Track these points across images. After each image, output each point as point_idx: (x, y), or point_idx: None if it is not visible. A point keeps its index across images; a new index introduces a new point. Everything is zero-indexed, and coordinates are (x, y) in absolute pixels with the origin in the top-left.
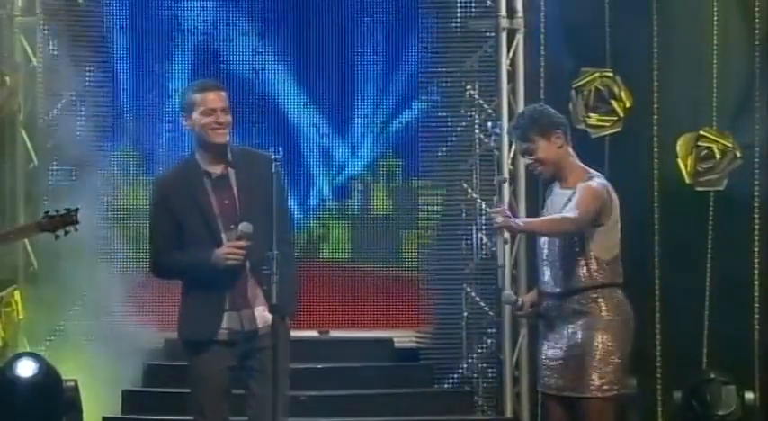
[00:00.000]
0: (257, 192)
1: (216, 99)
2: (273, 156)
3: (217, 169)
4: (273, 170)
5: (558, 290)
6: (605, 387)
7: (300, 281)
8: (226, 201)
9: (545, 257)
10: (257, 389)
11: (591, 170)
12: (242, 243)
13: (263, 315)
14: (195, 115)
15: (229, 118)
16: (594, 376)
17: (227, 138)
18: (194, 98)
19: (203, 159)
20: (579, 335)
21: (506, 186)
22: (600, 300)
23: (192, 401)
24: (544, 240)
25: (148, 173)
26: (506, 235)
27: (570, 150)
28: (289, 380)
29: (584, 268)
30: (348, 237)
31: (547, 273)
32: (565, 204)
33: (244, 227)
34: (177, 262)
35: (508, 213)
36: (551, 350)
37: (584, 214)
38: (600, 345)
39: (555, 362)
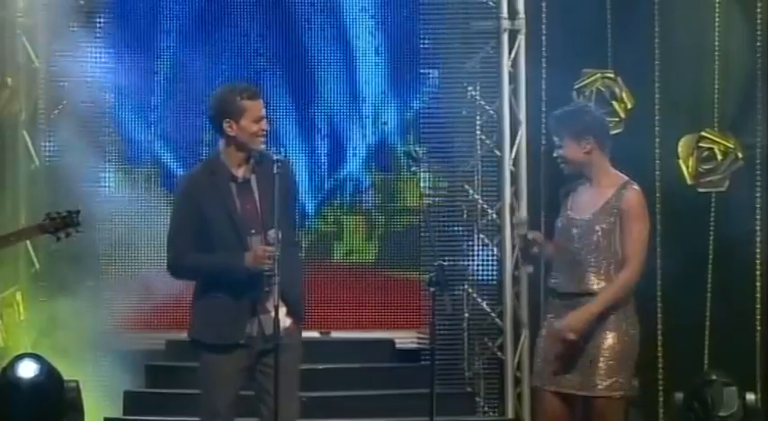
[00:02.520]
0: (276, 197)
1: (262, 106)
2: (275, 157)
3: (240, 172)
4: (276, 171)
5: (573, 290)
6: (615, 387)
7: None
8: (248, 206)
9: (569, 257)
10: (272, 391)
11: (623, 175)
12: (273, 248)
13: (282, 318)
14: (244, 122)
15: None
16: (604, 376)
17: (264, 146)
18: (246, 105)
19: (230, 162)
20: (591, 336)
21: (507, 188)
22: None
23: (203, 402)
24: (570, 241)
25: (151, 173)
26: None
27: (602, 156)
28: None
29: (607, 273)
30: (351, 237)
31: (565, 272)
32: (605, 208)
33: (273, 233)
34: (202, 263)
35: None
36: (558, 347)
37: (639, 260)
38: (612, 346)
39: (563, 359)
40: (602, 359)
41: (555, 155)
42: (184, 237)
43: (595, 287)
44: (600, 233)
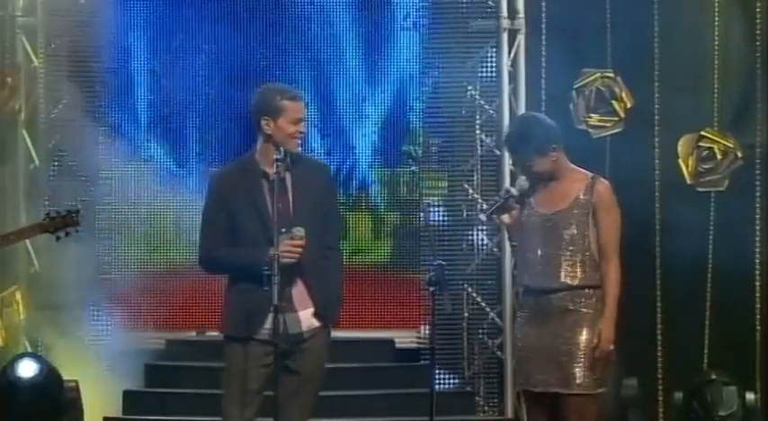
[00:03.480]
0: (310, 198)
1: (303, 109)
2: (275, 157)
3: (274, 170)
4: (275, 171)
5: (546, 285)
6: (589, 383)
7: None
8: (280, 204)
9: (540, 253)
10: (290, 389)
11: (582, 170)
12: (299, 242)
13: (308, 318)
14: (282, 122)
15: None
16: (579, 372)
17: (300, 148)
18: (285, 105)
19: (263, 160)
20: (566, 332)
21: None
22: (589, 298)
23: (225, 397)
24: (540, 236)
25: (150, 173)
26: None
27: (564, 155)
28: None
29: (581, 267)
30: (353, 236)
31: (536, 268)
32: (577, 203)
33: (297, 230)
34: (231, 257)
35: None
36: (534, 346)
37: (617, 251)
38: (586, 342)
39: (539, 358)
40: (578, 356)
41: (524, 176)
42: (215, 234)
43: (569, 281)
44: (574, 226)
